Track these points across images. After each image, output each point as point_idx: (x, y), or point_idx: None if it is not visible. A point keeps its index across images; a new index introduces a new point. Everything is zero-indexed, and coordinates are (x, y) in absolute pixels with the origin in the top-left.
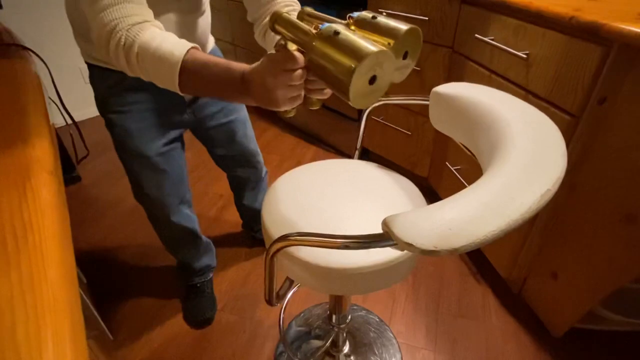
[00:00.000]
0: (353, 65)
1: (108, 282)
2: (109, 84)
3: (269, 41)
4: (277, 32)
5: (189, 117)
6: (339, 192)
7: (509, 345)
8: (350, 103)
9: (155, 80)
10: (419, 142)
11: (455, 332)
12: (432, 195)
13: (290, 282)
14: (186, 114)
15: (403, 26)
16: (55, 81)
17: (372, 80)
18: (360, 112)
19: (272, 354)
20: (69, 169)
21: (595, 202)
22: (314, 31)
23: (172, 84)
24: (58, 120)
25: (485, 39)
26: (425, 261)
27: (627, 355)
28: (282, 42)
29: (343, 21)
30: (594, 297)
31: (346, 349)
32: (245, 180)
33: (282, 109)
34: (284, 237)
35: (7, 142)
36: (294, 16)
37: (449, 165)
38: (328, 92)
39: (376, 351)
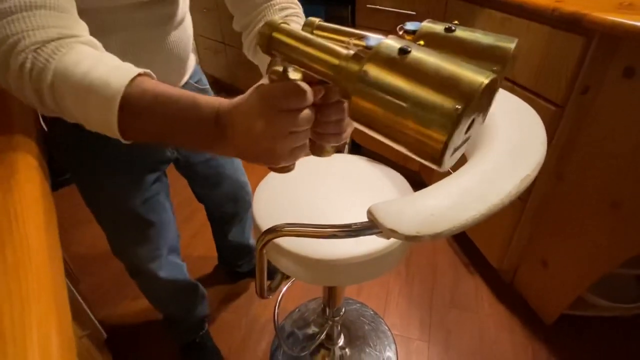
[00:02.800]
0: (458, 107)
1: (101, 284)
2: (66, 126)
3: (262, 55)
4: (272, 55)
5: (170, 155)
6: (328, 186)
7: (502, 334)
8: (438, 168)
9: (85, 123)
10: None
11: (448, 322)
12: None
13: (282, 276)
14: (168, 152)
15: (506, 42)
16: None
17: (469, 126)
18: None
19: (268, 349)
20: (60, 173)
21: (582, 191)
22: (347, 52)
23: (108, 128)
24: None
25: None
26: (418, 254)
27: (616, 340)
28: (279, 68)
29: (386, 37)
30: (583, 283)
31: (341, 341)
32: (232, 215)
33: (280, 164)
34: (272, 229)
35: None
36: (298, 28)
37: None
38: (347, 135)
39: (371, 343)
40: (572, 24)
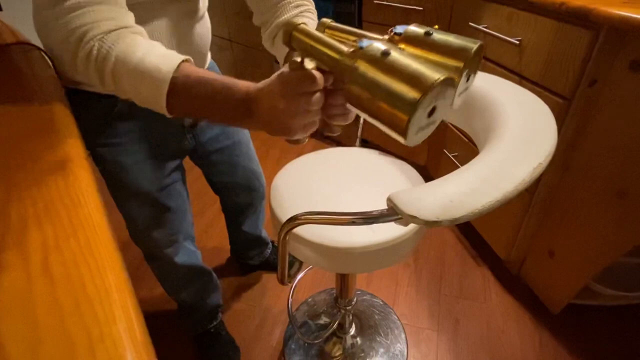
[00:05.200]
0: (416, 97)
1: None
2: (97, 112)
3: (279, 47)
4: (292, 48)
5: (189, 143)
6: (342, 177)
7: (509, 323)
8: (404, 142)
9: (137, 100)
10: None
11: (457, 312)
12: None
13: (299, 264)
14: (186, 140)
15: (471, 44)
16: None
17: (432, 112)
18: None
19: (281, 338)
20: None
21: (588, 181)
22: (347, 49)
23: (158, 105)
24: None
25: (479, 27)
26: (426, 245)
27: (622, 328)
28: (297, 59)
29: (380, 36)
30: (589, 272)
31: (352, 330)
32: (247, 206)
33: (295, 137)
34: (293, 218)
35: (41, 132)
36: (313, 26)
37: (446, 152)
38: (352, 116)
39: (381, 332)
40: (579, 18)
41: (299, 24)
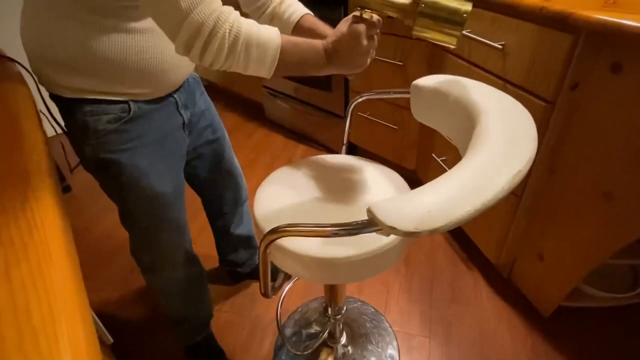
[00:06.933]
0: (468, 9)
1: (101, 291)
2: (110, 118)
3: (277, 24)
4: (362, 7)
5: (186, 138)
6: (327, 185)
7: (501, 326)
8: (455, 44)
9: (251, 68)
10: (405, 136)
11: (448, 317)
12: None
13: (285, 276)
14: (185, 137)
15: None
16: (42, 92)
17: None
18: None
19: (271, 349)
20: (60, 179)
21: (574, 184)
22: (407, 0)
23: (269, 69)
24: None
25: (464, 32)
26: (417, 250)
27: (612, 329)
28: (357, 13)
29: None
30: (578, 274)
31: (343, 339)
32: (233, 203)
33: (362, 69)
34: (275, 230)
35: (4, 148)
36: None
37: (435, 157)
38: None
39: (373, 340)
40: (559, 22)
41: None
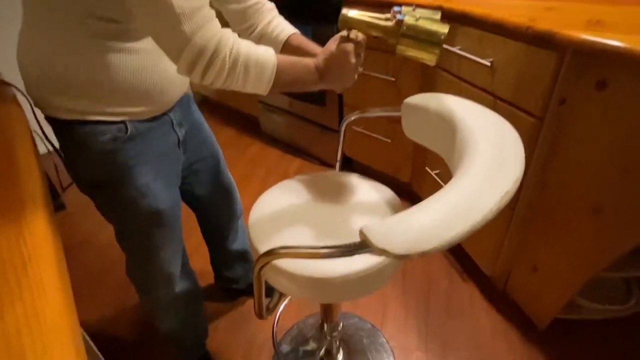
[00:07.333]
0: (445, 32)
1: (96, 309)
2: (107, 139)
3: (266, 43)
4: (347, 28)
5: (182, 156)
6: (321, 204)
7: (497, 339)
8: (435, 62)
9: (249, 86)
10: (399, 149)
11: (445, 331)
12: (415, 199)
13: (279, 296)
14: (181, 153)
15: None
16: (37, 113)
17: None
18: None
19: None
20: (53, 197)
21: (564, 197)
22: (391, 22)
23: (265, 87)
24: (39, 149)
25: (453, 49)
26: (413, 265)
27: (608, 342)
28: (344, 34)
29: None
30: (572, 286)
31: (340, 356)
32: (228, 218)
33: (350, 84)
34: (269, 252)
35: None
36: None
37: (428, 170)
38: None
39: (370, 356)
40: (545, 41)
41: (349, 14)
